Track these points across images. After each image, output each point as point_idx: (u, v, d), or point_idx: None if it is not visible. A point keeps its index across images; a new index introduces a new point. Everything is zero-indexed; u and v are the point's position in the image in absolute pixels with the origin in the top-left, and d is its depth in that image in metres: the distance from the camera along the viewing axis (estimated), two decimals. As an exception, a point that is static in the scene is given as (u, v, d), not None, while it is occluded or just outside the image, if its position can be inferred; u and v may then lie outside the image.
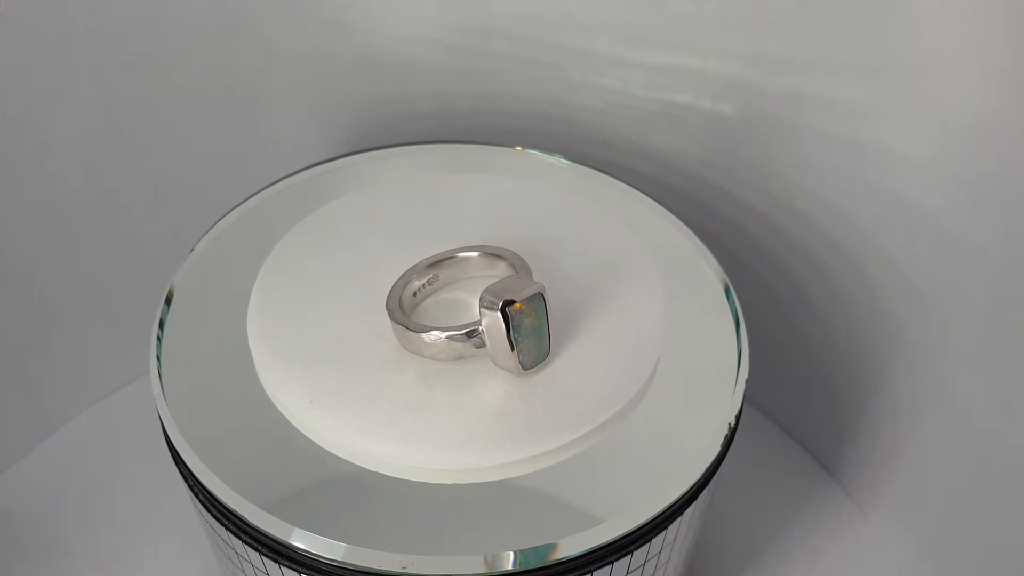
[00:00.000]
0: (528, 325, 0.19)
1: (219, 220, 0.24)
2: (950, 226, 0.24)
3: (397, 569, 0.17)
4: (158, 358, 0.21)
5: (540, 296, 0.19)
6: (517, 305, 0.19)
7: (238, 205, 0.25)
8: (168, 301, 0.22)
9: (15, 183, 0.28)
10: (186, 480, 0.19)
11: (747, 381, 0.21)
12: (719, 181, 0.30)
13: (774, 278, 0.30)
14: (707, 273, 0.23)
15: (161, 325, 0.21)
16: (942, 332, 0.26)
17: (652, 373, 0.20)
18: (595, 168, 0.26)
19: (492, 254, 0.22)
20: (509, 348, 0.19)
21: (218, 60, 0.30)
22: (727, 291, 0.23)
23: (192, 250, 0.23)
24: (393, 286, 0.21)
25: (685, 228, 0.24)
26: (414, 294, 0.21)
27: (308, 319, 0.21)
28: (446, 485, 0.19)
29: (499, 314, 0.19)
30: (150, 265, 0.32)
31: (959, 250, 0.24)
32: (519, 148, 0.27)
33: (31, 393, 0.31)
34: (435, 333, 0.19)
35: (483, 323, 0.19)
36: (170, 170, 0.31)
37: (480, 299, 0.19)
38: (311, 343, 0.20)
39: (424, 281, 0.21)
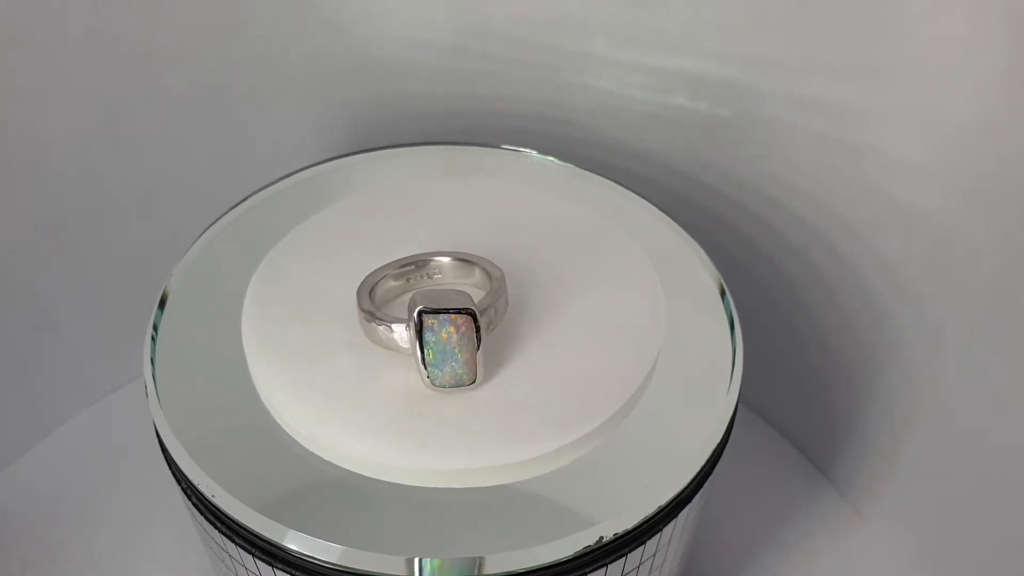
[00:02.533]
0: (444, 341, 0.19)
1: (215, 222, 0.24)
2: (945, 227, 0.24)
3: (393, 571, 0.17)
4: (152, 361, 0.20)
5: (468, 317, 0.18)
6: (430, 320, 0.18)
7: (234, 207, 0.25)
8: (162, 303, 0.22)
9: (11, 183, 0.28)
10: (179, 482, 0.19)
11: (742, 382, 0.21)
12: (715, 183, 0.30)
13: (769, 280, 0.30)
14: (702, 274, 0.23)
15: (155, 327, 0.21)
16: (937, 333, 0.26)
17: (649, 375, 0.20)
18: (591, 170, 0.26)
19: (466, 260, 0.21)
20: (420, 358, 0.19)
21: (215, 61, 0.30)
22: (722, 292, 0.23)
23: (187, 252, 0.23)
24: (369, 275, 0.21)
25: (680, 229, 0.24)
26: (408, 279, 0.21)
27: (303, 322, 0.21)
28: (440, 488, 0.19)
29: (413, 320, 0.18)
30: (146, 266, 0.32)
31: (954, 251, 0.24)
32: (516, 149, 0.27)
33: (27, 394, 0.31)
34: (368, 315, 0.19)
35: (408, 325, 0.19)
36: (166, 171, 0.31)
37: (409, 299, 0.19)
38: (306, 346, 0.20)
39: (407, 279, 0.21)
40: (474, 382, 0.19)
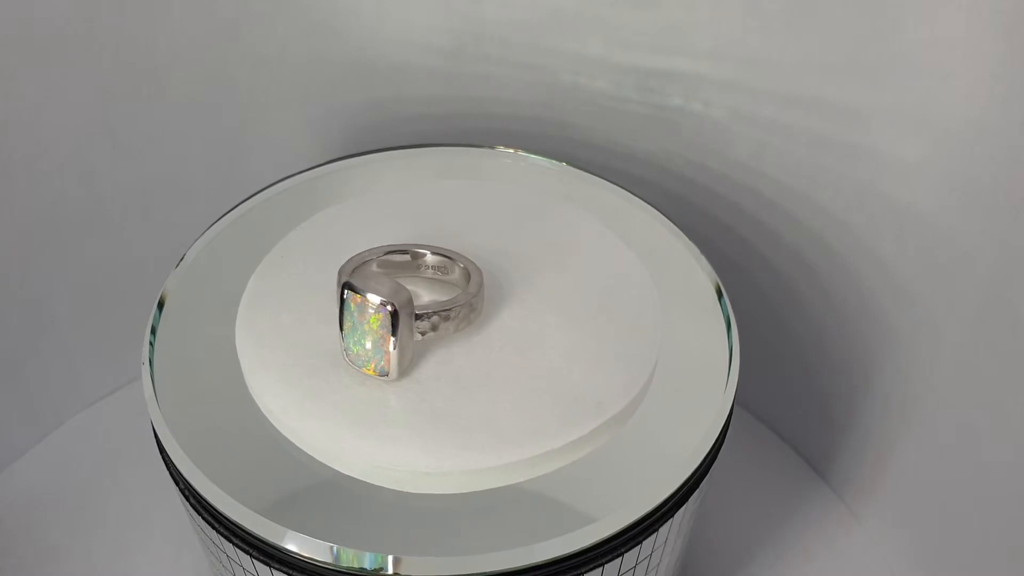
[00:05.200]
0: (359, 323, 0.19)
1: (212, 225, 0.24)
2: (940, 228, 0.25)
3: (391, 571, 0.17)
4: (150, 362, 0.21)
5: (387, 310, 0.18)
6: (356, 296, 0.19)
7: (231, 210, 0.25)
8: (160, 306, 0.22)
9: (9, 185, 0.28)
10: (177, 484, 0.19)
11: (738, 383, 0.21)
12: (711, 184, 0.30)
13: (766, 281, 0.30)
14: (699, 275, 0.23)
15: (153, 330, 0.21)
16: (932, 333, 0.26)
17: (647, 376, 0.20)
18: (587, 171, 0.26)
19: (447, 257, 0.22)
20: (339, 328, 0.19)
21: (211, 64, 0.30)
22: (719, 293, 0.23)
23: (184, 255, 0.23)
24: (353, 256, 0.21)
25: (677, 230, 0.25)
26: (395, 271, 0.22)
27: (297, 325, 0.21)
28: (439, 489, 0.19)
29: (339, 290, 0.19)
30: (143, 269, 0.32)
31: (949, 252, 0.25)
32: (512, 151, 0.27)
33: (24, 396, 0.31)
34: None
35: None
36: (163, 174, 0.31)
37: (353, 271, 0.19)
38: (299, 349, 0.20)
39: (382, 270, 0.22)
40: (387, 375, 0.19)
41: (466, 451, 0.19)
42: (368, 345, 0.19)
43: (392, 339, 0.19)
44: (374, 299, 0.19)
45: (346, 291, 0.19)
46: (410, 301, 0.19)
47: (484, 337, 0.21)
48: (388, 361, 0.19)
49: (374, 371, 0.19)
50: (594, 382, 0.20)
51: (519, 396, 0.20)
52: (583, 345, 0.21)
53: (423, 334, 0.20)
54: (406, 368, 0.20)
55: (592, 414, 0.19)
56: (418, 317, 0.19)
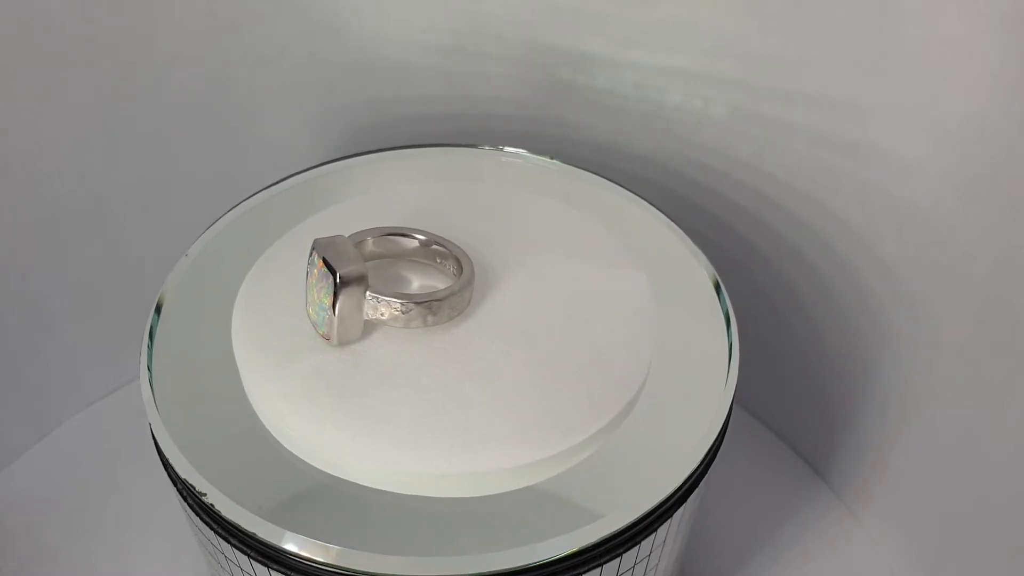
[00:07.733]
0: (314, 282, 0.20)
1: (211, 225, 0.24)
2: (940, 227, 0.25)
3: (390, 571, 0.17)
4: (149, 365, 0.21)
5: (331, 279, 0.19)
6: (317, 257, 0.20)
7: (230, 210, 0.25)
8: (159, 308, 0.22)
9: (8, 186, 0.28)
10: (175, 484, 0.19)
11: (737, 382, 0.21)
12: (710, 182, 0.30)
13: (765, 279, 0.30)
14: (698, 273, 0.23)
15: (152, 332, 0.21)
16: (932, 333, 0.26)
17: (645, 375, 0.20)
18: (587, 169, 0.26)
19: (442, 247, 0.22)
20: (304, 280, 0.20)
21: (210, 64, 0.30)
22: (718, 290, 0.23)
23: (184, 255, 0.23)
24: (360, 231, 0.22)
25: (676, 228, 0.25)
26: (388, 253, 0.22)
27: (294, 327, 0.21)
28: (437, 492, 0.19)
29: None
30: (142, 269, 0.32)
31: (949, 251, 0.25)
32: (512, 150, 0.27)
33: (23, 397, 0.31)
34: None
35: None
36: (162, 175, 0.31)
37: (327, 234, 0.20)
38: (296, 350, 0.20)
39: (379, 250, 0.22)
40: (329, 339, 0.20)
41: (465, 455, 0.19)
42: (320, 306, 0.20)
43: (335, 306, 0.20)
44: (327, 265, 0.19)
45: (312, 253, 0.20)
46: (362, 278, 0.20)
47: (464, 330, 0.21)
48: (330, 326, 0.20)
49: (323, 333, 0.20)
50: (592, 382, 0.20)
51: (516, 398, 0.19)
52: (580, 344, 0.21)
53: (371, 315, 0.20)
54: (347, 339, 0.20)
55: (592, 415, 0.19)
56: (373, 298, 0.20)
